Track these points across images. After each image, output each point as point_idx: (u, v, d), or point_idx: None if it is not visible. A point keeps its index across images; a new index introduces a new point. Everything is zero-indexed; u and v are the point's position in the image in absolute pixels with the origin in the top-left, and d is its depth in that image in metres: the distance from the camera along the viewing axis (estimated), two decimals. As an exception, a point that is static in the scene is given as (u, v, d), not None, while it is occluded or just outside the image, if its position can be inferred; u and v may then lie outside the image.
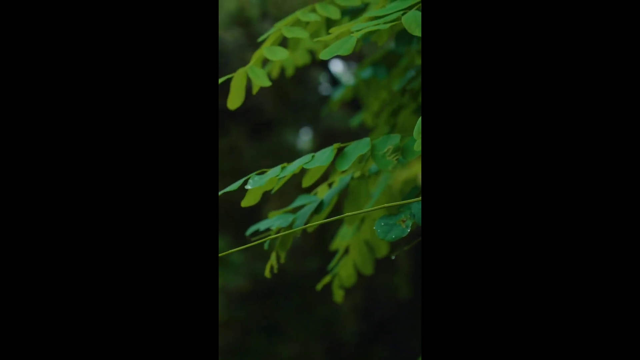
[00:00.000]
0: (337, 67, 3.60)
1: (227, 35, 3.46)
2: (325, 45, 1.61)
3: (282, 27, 1.28)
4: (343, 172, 1.27)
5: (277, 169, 1.11)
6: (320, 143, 3.92)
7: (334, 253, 1.56)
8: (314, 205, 1.25)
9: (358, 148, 1.09)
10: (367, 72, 1.77)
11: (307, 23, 1.32)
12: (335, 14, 1.30)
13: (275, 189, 1.12)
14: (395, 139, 1.10)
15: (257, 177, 1.11)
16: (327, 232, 3.77)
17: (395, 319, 4.29)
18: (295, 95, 3.86)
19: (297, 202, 1.29)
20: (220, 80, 1.24)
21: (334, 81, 3.04)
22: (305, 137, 4.25)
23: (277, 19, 3.36)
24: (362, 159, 1.22)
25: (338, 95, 1.99)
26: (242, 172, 4.00)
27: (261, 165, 3.95)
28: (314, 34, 1.40)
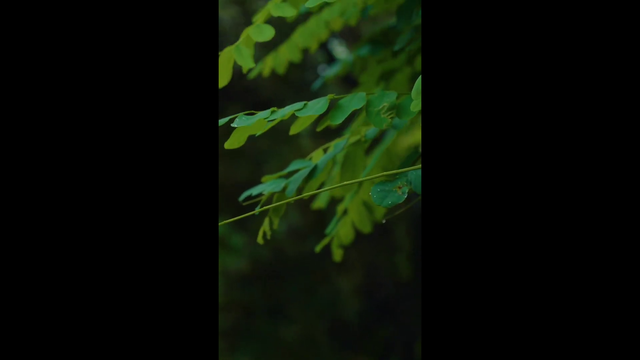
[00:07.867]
0: (335, 45, 3.58)
1: (224, 14, 3.45)
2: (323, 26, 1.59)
3: (270, 6, 1.26)
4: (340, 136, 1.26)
5: (267, 112, 1.09)
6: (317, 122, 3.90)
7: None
8: (307, 171, 1.24)
9: (353, 102, 1.08)
10: (364, 50, 1.75)
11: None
12: None
13: (260, 132, 1.10)
14: (392, 96, 1.08)
15: (244, 117, 1.09)
16: (327, 212, 3.76)
17: (396, 298, 4.28)
18: (294, 75, 3.85)
19: (291, 167, 1.27)
20: None
21: (332, 60, 3.03)
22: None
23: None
24: (356, 115, 1.21)
25: (333, 71, 1.97)
26: (241, 152, 3.96)
27: (260, 144, 3.94)
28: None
